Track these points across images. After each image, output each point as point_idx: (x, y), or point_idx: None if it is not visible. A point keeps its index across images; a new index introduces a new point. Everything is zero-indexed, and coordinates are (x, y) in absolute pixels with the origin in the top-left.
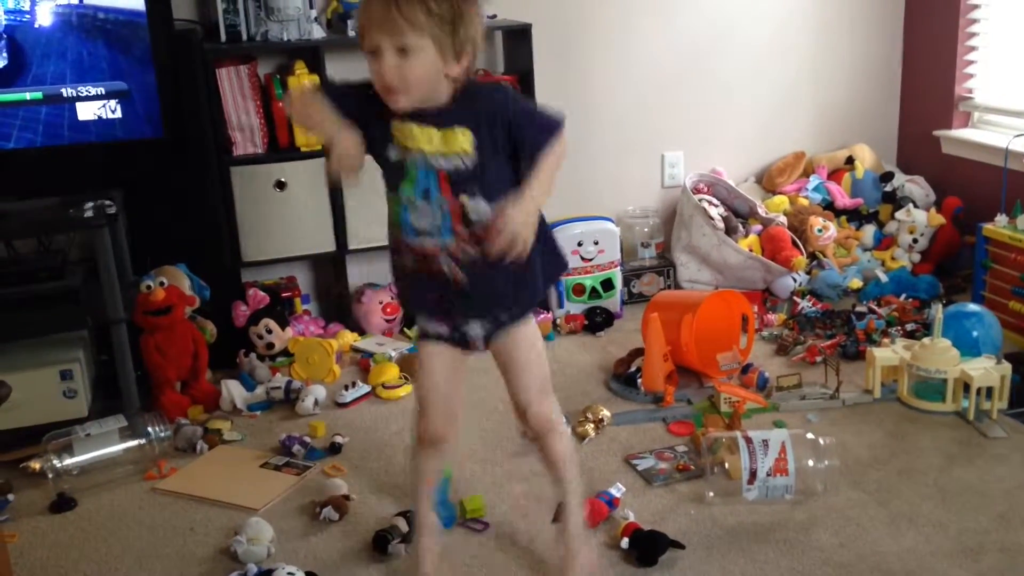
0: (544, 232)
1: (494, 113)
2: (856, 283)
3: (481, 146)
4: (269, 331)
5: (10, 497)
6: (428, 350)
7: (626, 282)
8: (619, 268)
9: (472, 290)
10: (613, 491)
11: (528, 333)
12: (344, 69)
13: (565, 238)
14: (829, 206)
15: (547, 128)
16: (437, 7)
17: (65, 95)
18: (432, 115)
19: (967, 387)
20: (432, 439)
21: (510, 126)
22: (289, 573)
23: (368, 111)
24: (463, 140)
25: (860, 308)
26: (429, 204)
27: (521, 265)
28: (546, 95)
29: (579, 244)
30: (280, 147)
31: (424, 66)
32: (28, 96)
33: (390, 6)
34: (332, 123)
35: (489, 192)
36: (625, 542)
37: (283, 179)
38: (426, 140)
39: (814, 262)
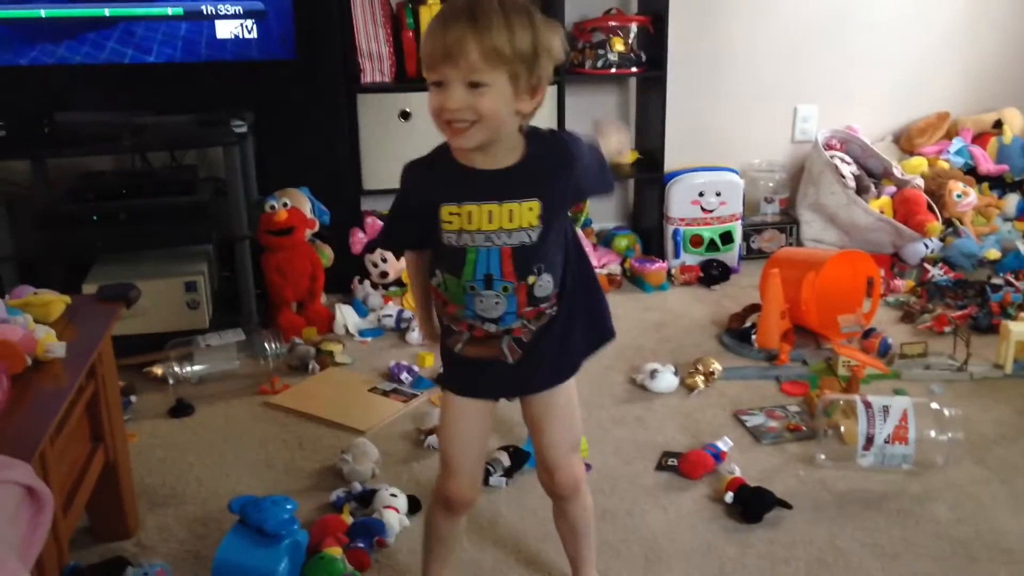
0: (595, 297)
1: (565, 168)
2: (994, 253)
3: (548, 214)
4: (384, 260)
5: (132, 399)
6: (460, 408)
7: (746, 237)
8: (740, 222)
9: (524, 363)
10: (720, 444)
11: (569, 388)
12: None
13: (686, 187)
14: (971, 171)
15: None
16: (521, 40)
17: (205, 12)
18: (494, 189)
19: None
20: (459, 504)
21: (577, 186)
22: (392, 494)
23: (423, 212)
24: (530, 214)
25: (996, 280)
26: (493, 290)
27: (567, 330)
28: (679, 38)
29: (700, 194)
30: (407, 77)
31: (496, 102)
32: (170, 11)
33: (465, 37)
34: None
35: (551, 264)
36: (729, 496)
37: (408, 109)
38: (485, 219)
39: (950, 229)
